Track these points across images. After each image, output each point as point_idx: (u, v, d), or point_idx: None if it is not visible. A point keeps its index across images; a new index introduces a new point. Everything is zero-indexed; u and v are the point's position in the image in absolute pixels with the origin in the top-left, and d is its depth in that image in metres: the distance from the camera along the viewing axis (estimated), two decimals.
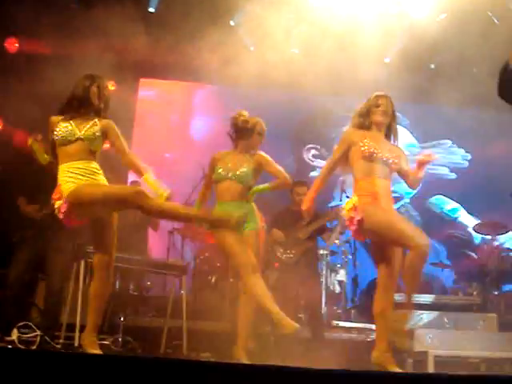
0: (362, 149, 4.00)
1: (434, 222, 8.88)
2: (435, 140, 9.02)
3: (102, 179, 3.86)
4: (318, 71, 7.05)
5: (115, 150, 3.99)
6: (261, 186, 4.58)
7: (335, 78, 7.41)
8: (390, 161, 4.04)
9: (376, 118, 4.09)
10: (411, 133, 9.20)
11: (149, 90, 8.93)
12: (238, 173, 4.49)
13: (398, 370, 3.80)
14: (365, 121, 4.12)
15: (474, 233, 8.37)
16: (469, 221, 8.93)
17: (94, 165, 3.87)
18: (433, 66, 8.54)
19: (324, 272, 6.38)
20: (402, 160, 4.14)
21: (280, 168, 4.60)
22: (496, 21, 7.43)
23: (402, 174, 4.21)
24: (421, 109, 8.87)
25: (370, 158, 3.98)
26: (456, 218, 9.03)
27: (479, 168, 8.52)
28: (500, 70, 3.50)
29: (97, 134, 3.88)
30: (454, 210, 9.02)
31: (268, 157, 4.61)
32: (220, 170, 4.53)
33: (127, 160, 3.96)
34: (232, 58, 6.77)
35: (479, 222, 7.36)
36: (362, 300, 6.73)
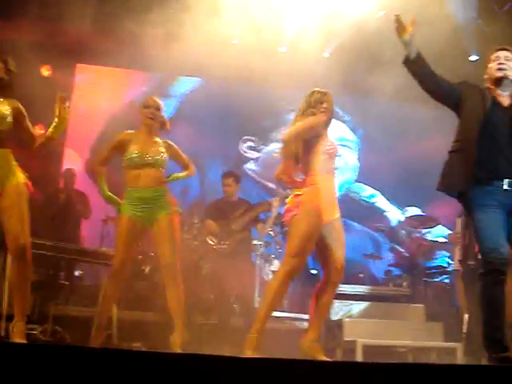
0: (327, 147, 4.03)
1: (359, 210, 9.07)
2: (373, 135, 9.11)
3: None
4: (257, 64, 7.08)
5: (23, 134, 3.87)
6: (180, 174, 4.55)
7: (274, 71, 7.45)
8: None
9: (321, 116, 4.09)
10: (351, 129, 9.33)
11: (85, 76, 8.73)
12: (157, 157, 4.37)
13: (325, 358, 3.85)
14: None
15: (390, 216, 8.74)
16: (386, 206, 9.22)
17: None
18: (372, 62, 8.65)
19: (258, 262, 6.41)
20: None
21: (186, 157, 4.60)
22: (432, 19, 7.63)
23: None
24: (359, 103, 8.97)
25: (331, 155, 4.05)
26: (374, 203, 9.24)
27: (414, 162, 8.64)
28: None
29: (6, 112, 3.70)
30: (372, 196, 9.23)
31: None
32: (134, 155, 4.35)
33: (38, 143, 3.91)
34: (171, 46, 6.70)
35: (412, 215, 7.54)
36: (295, 290, 6.80)
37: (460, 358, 5.15)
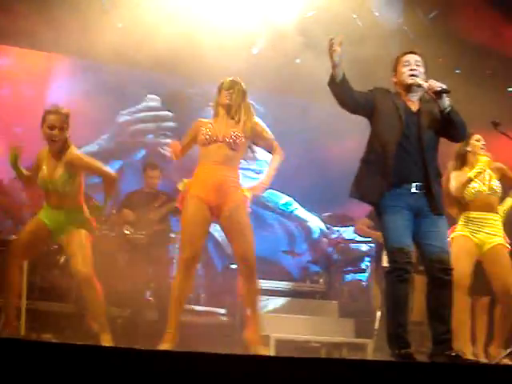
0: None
1: (273, 216, 9.01)
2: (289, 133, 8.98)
3: None
4: (183, 55, 7.01)
5: None
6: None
7: (201, 64, 7.39)
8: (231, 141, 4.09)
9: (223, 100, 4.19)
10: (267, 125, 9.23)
11: (3, 58, 8.36)
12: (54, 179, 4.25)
13: (265, 351, 4.06)
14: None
15: (312, 227, 8.77)
16: (304, 214, 9.09)
17: None
18: (298, 61, 8.75)
19: (176, 255, 6.38)
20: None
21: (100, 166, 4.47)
22: (360, 23, 7.81)
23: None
24: (282, 101, 8.95)
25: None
26: (292, 212, 9.13)
27: (331, 163, 8.66)
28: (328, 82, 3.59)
29: None
30: (288, 204, 9.10)
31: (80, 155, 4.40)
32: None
33: None
34: (94, 31, 6.55)
35: (329, 213, 7.66)
36: (215, 284, 6.82)
37: (370, 354, 5.31)
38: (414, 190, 3.56)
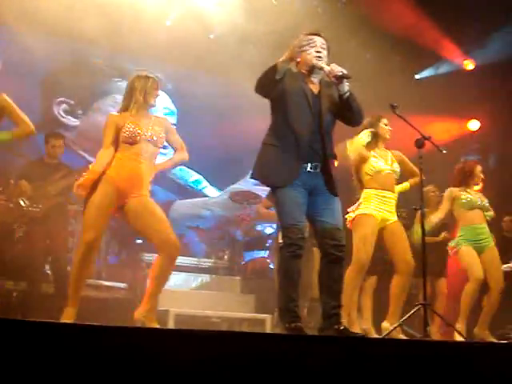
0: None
1: (182, 193, 8.94)
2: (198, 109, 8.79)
3: None
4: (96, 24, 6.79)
5: None
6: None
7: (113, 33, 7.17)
8: (155, 139, 4.16)
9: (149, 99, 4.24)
10: (172, 100, 8.90)
11: None
12: None
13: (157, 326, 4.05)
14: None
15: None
16: (212, 192, 9.08)
17: None
18: (212, 36, 8.65)
19: (75, 229, 6.20)
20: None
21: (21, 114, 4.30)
22: (274, 1, 7.82)
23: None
24: (192, 77, 8.76)
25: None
26: (201, 190, 9.08)
27: (238, 141, 8.40)
28: (267, 71, 3.52)
29: None
30: (198, 182, 9.06)
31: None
32: None
33: None
34: None
35: (235, 190, 7.67)
36: (117, 259, 6.70)
37: (268, 329, 5.40)
38: (309, 168, 3.60)
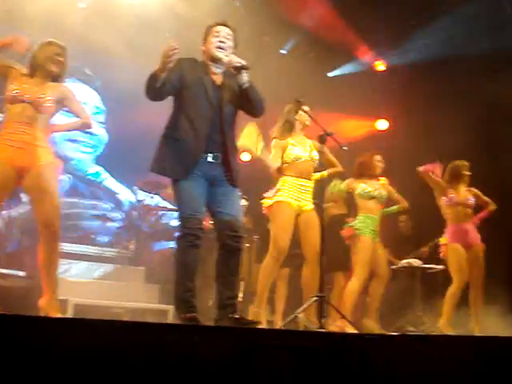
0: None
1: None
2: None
3: None
4: None
5: None
6: None
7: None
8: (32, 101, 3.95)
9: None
10: (100, 97, 8.72)
11: None
12: None
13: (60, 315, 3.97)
14: None
15: (121, 198, 8.62)
16: (113, 185, 8.85)
17: None
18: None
19: None
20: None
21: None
22: None
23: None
24: (109, 62, 8.53)
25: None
26: (101, 182, 8.85)
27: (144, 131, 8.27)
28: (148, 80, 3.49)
29: None
30: (97, 174, 8.82)
31: None
32: None
33: None
34: None
35: (143, 180, 7.53)
36: (14, 245, 6.45)
37: (171, 319, 5.35)
38: (210, 159, 3.60)
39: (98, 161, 8.73)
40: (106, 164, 8.74)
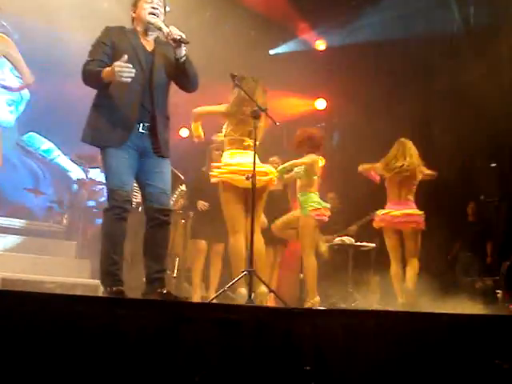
0: None
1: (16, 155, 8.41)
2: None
3: None
4: None
5: None
6: None
7: None
8: None
9: None
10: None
11: None
12: None
13: None
14: None
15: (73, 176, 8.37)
16: (65, 162, 8.70)
17: None
18: None
19: None
20: None
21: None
22: None
23: None
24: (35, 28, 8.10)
25: None
26: (53, 159, 8.68)
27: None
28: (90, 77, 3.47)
29: None
30: (49, 151, 8.64)
31: None
32: None
33: None
34: None
35: (77, 153, 7.36)
36: None
37: (101, 294, 5.29)
38: (140, 129, 3.55)
39: (28, 125, 8.39)
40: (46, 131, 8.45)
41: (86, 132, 3.56)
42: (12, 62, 3.92)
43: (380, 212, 5.97)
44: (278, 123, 4.36)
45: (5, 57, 3.87)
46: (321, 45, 9.11)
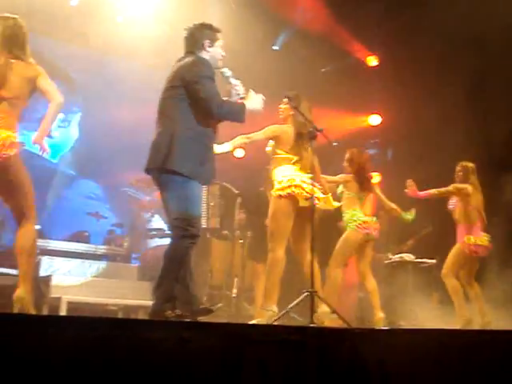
0: None
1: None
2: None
3: None
4: None
5: None
6: None
7: None
8: None
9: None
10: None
11: None
12: None
13: (33, 311, 3.84)
14: None
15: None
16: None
17: None
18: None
19: None
20: None
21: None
22: None
23: None
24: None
25: None
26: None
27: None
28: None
29: None
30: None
31: None
32: None
33: None
34: None
35: (136, 177, 7.48)
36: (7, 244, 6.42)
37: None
38: None
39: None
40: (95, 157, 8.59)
41: (178, 163, 3.60)
42: (41, 90, 3.92)
43: (469, 240, 5.89)
44: (335, 143, 4.37)
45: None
46: (373, 61, 9.06)
